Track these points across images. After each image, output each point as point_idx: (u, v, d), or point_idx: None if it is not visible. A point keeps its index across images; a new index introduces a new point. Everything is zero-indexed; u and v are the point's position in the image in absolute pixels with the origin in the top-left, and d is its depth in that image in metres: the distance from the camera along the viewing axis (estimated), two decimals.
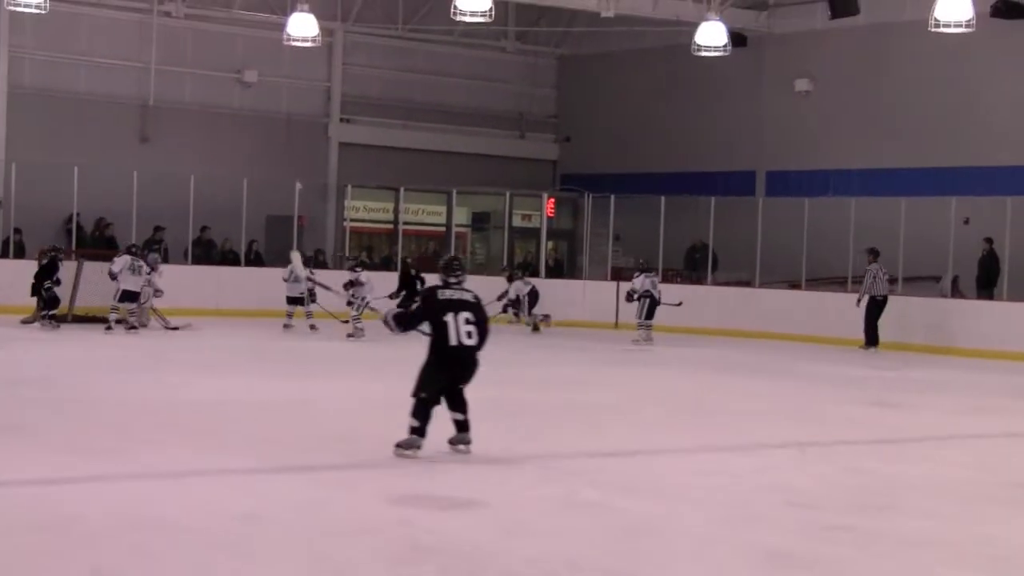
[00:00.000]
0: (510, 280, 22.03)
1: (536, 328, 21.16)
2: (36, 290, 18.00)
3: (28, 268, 18.51)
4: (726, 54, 21.59)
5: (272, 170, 23.91)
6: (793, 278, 21.91)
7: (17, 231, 21.62)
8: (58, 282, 18.03)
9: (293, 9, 21.86)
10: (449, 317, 8.41)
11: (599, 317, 21.96)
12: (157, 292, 18.45)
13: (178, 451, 8.54)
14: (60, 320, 18.29)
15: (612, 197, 23.68)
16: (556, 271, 25.22)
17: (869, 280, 19.36)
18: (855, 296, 19.48)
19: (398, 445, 8.38)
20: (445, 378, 8.47)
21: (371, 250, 25.30)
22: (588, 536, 6.58)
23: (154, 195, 21.81)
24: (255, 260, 22.95)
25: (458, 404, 8.58)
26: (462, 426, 8.61)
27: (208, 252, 23.14)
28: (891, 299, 19.63)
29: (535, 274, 24.42)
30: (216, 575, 5.70)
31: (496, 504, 7.24)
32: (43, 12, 20.05)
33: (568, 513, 7.13)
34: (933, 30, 18.55)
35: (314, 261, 20.88)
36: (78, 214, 22.03)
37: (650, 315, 19.49)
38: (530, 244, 26.11)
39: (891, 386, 15.05)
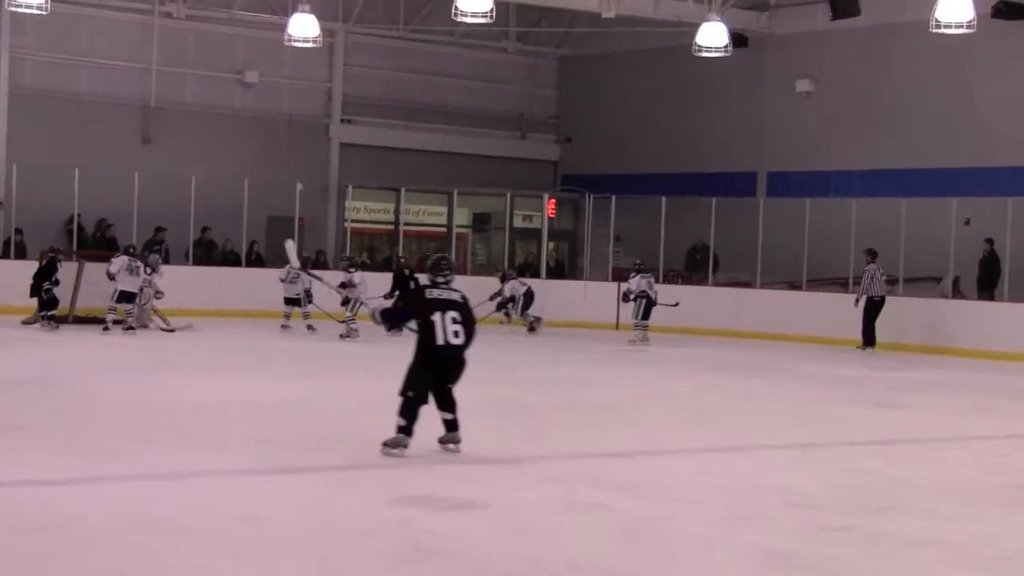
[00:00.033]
0: (503, 280, 22.04)
1: (532, 328, 21.16)
2: (35, 291, 18.02)
3: (29, 269, 18.52)
4: (727, 55, 21.59)
5: (273, 171, 23.92)
6: (794, 279, 21.91)
7: (18, 232, 21.64)
8: (56, 283, 18.05)
9: (294, 10, 21.86)
10: (436, 316, 8.46)
11: (600, 318, 21.95)
12: (158, 294, 18.46)
13: (178, 452, 8.54)
14: (62, 321, 18.31)
15: (613, 198, 23.69)
16: (557, 272, 25.22)
17: (867, 281, 19.42)
18: (855, 297, 19.51)
19: (385, 444, 8.43)
20: (432, 377, 8.51)
21: (373, 251, 25.30)
22: (589, 536, 6.58)
23: (155, 196, 21.82)
24: (256, 261, 22.95)
25: (447, 404, 8.61)
26: (451, 425, 8.65)
27: (209, 253, 23.15)
28: (890, 300, 19.65)
29: (536, 275, 24.44)
30: None
31: (496, 504, 7.24)
32: (44, 13, 20.06)
33: (568, 513, 7.13)
34: (934, 31, 18.53)
35: (311, 262, 20.81)
36: (79, 215, 22.04)
37: (646, 316, 19.52)
38: (531, 245, 26.11)
39: (891, 387, 15.05)
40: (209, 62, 24.55)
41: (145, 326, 18.26)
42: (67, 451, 8.43)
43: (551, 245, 25.65)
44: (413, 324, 8.68)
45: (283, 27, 22.19)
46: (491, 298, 21.47)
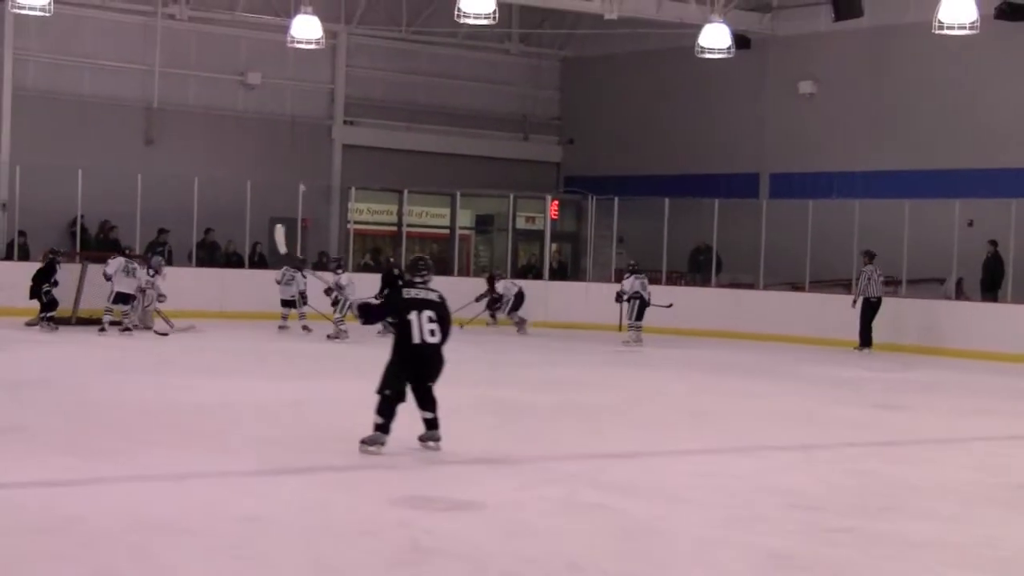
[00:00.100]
0: (490, 281, 22.05)
1: (524, 330, 21.16)
2: (34, 292, 18.06)
3: (33, 271, 18.54)
4: (730, 56, 21.59)
5: (276, 172, 23.92)
6: (796, 280, 21.90)
7: (21, 233, 21.66)
8: (56, 284, 18.09)
9: (297, 11, 21.87)
10: (413, 316, 8.57)
11: (602, 319, 21.92)
12: (160, 297, 18.48)
13: (178, 452, 8.54)
14: (65, 322, 18.34)
15: (616, 199, 23.68)
16: (560, 273, 25.22)
17: (864, 282, 19.47)
18: (852, 298, 19.58)
19: (363, 441, 8.52)
20: (409, 375, 8.59)
21: (378, 252, 25.31)
22: (588, 537, 6.58)
23: (158, 197, 21.82)
24: (259, 262, 22.96)
25: (427, 403, 8.70)
26: (431, 424, 8.73)
27: (212, 254, 23.15)
28: (891, 301, 19.69)
29: (539, 276, 24.46)
30: None
31: (495, 505, 7.24)
32: (47, 15, 20.07)
33: (568, 514, 7.13)
34: (937, 32, 18.53)
35: (313, 263, 20.83)
36: (82, 216, 22.06)
37: (640, 316, 19.53)
38: (534, 246, 26.10)
39: (892, 388, 15.05)
40: (212, 63, 24.57)
41: (148, 327, 18.27)
42: (67, 452, 8.44)
43: (554, 247, 25.63)
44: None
45: (286, 29, 22.19)
46: (477, 299, 21.50)
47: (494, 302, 21.76)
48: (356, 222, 25.40)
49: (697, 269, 23.63)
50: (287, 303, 19.70)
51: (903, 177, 22.59)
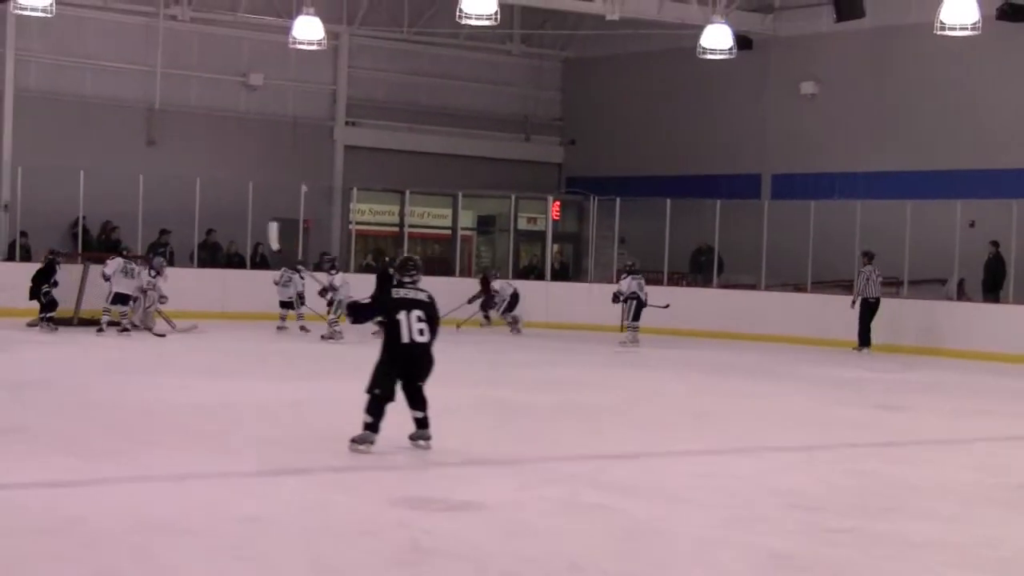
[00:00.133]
0: (483, 282, 22.05)
1: (519, 329, 21.17)
2: (34, 293, 18.08)
3: (33, 271, 18.56)
4: (731, 57, 21.59)
5: (278, 173, 23.93)
6: (798, 281, 21.89)
7: (23, 234, 21.68)
8: (55, 284, 18.11)
9: (298, 12, 21.87)
10: (402, 315, 8.62)
11: (604, 320, 21.91)
12: (162, 298, 18.50)
13: (178, 453, 8.55)
14: (66, 323, 18.35)
15: (617, 200, 23.68)
16: (562, 274, 25.22)
17: (862, 282, 19.51)
18: (851, 299, 19.62)
19: (353, 440, 8.57)
20: (398, 374, 8.64)
21: (380, 252, 25.31)
22: (589, 538, 6.58)
23: (160, 198, 21.84)
24: (261, 263, 22.97)
25: (417, 402, 8.74)
26: (421, 423, 8.77)
27: (214, 255, 23.17)
28: (892, 302, 19.70)
29: (540, 277, 24.47)
30: None
31: (496, 505, 7.24)
32: (49, 16, 20.13)
33: (569, 514, 7.13)
34: (938, 33, 18.52)
35: (309, 265, 20.80)
36: (84, 217, 22.08)
37: (636, 317, 19.55)
38: (535, 247, 26.11)
39: (892, 388, 15.04)
40: (214, 64, 24.58)
41: (149, 328, 18.28)
42: (68, 453, 8.44)
43: (555, 247, 25.64)
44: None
45: (287, 30, 22.20)
46: (470, 300, 21.51)
47: (488, 302, 21.77)
48: (358, 223, 25.40)
49: (699, 270, 23.62)
50: (285, 304, 19.84)
51: (905, 178, 22.58)
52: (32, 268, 18.83)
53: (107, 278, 17.89)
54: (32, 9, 19.93)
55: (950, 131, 22.26)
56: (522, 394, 12.67)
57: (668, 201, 22.92)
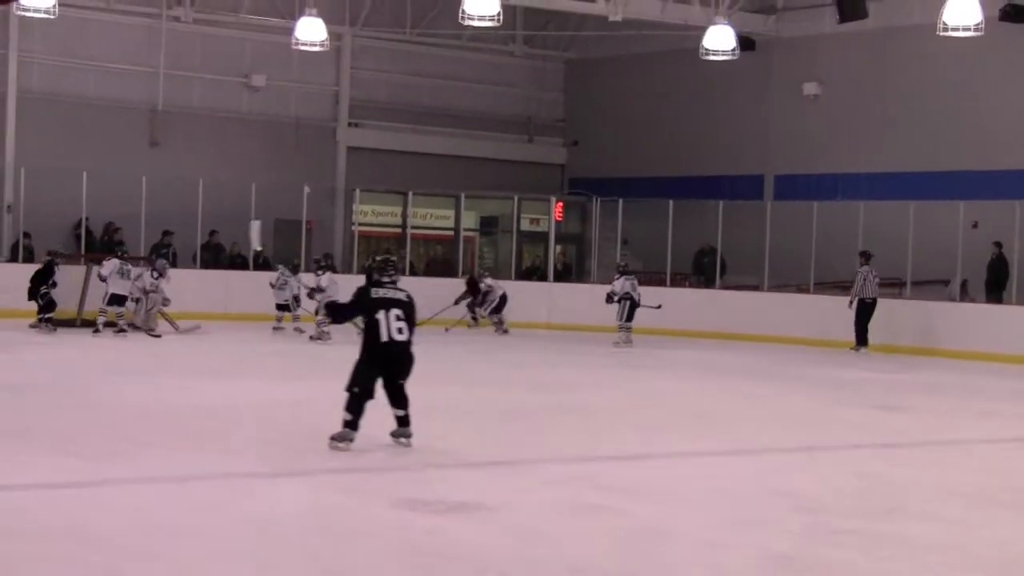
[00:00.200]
0: (471, 282, 22.05)
1: (505, 330, 21.21)
2: (33, 293, 18.09)
3: (34, 272, 18.60)
4: (734, 58, 21.60)
5: (280, 174, 23.93)
6: (801, 282, 21.88)
7: (26, 235, 21.70)
8: (54, 285, 18.12)
9: (301, 13, 21.90)
10: (381, 315, 8.72)
11: (607, 321, 21.88)
12: (165, 300, 18.51)
13: (179, 454, 8.55)
14: (69, 324, 18.36)
15: (620, 201, 23.67)
16: (565, 275, 25.22)
17: (859, 283, 19.53)
18: (848, 299, 19.67)
19: (332, 438, 8.64)
20: (377, 373, 8.73)
21: (388, 253, 25.25)
22: (590, 539, 6.57)
23: (163, 199, 21.84)
24: (263, 264, 22.97)
25: (399, 401, 8.83)
26: (403, 421, 8.85)
27: (216, 256, 23.18)
28: (896, 303, 19.72)
29: (543, 278, 24.47)
30: None
31: (497, 507, 7.23)
32: (52, 17, 20.15)
33: (570, 516, 7.12)
34: (941, 34, 18.52)
35: (299, 266, 20.75)
36: (87, 218, 22.09)
37: (630, 317, 19.60)
38: (538, 248, 26.12)
39: (894, 389, 15.02)
40: (216, 66, 24.60)
41: (151, 330, 18.30)
42: (68, 454, 8.44)
43: (558, 248, 25.64)
44: (360, 322, 8.98)
45: (290, 31, 22.23)
46: (456, 301, 21.54)
47: (476, 303, 21.78)
48: (360, 224, 25.40)
49: (701, 271, 23.61)
50: (281, 307, 19.89)
51: (907, 179, 22.57)
52: (34, 269, 18.84)
53: (103, 279, 17.92)
54: (35, 10, 19.95)
55: (953, 132, 22.25)
56: (523, 395, 12.67)
57: (671, 202, 22.91)
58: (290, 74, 25.12)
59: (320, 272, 18.97)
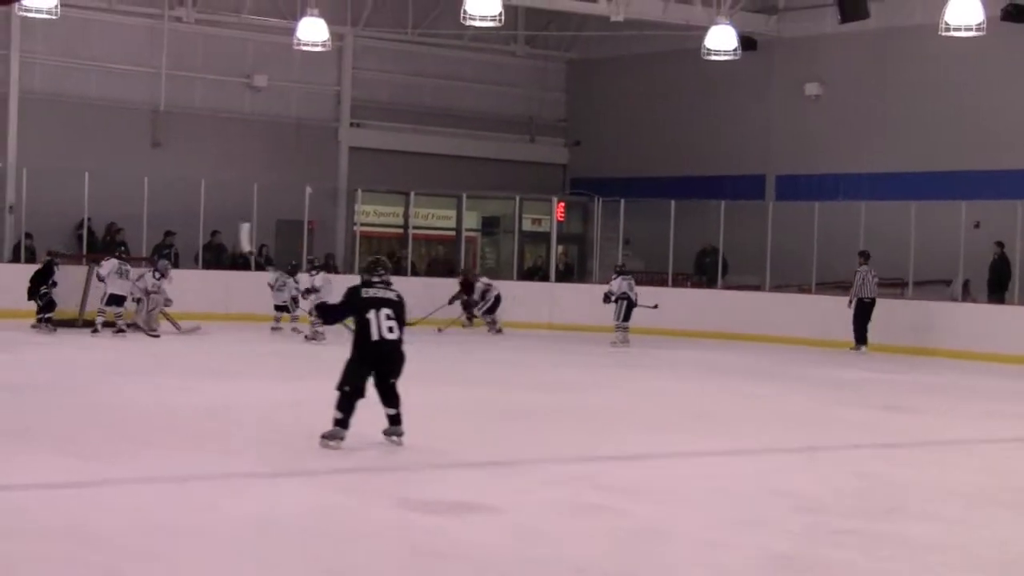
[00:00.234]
0: (464, 283, 22.06)
1: (499, 329, 21.23)
2: (32, 293, 18.10)
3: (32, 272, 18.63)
4: (736, 58, 21.59)
5: (282, 174, 23.93)
6: (803, 282, 21.87)
7: (28, 236, 21.70)
8: (54, 285, 18.13)
9: (303, 14, 21.90)
10: (371, 314, 8.81)
11: (609, 321, 21.89)
12: (167, 301, 18.52)
13: (179, 454, 8.56)
14: (71, 324, 18.36)
15: (622, 201, 23.66)
16: (566, 275, 25.22)
17: (858, 282, 19.54)
18: (847, 299, 19.70)
19: (323, 436, 8.71)
20: (368, 372, 8.80)
21: (391, 255, 25.35)
22: (592, 539, 6.57)
23: (165, 200, 21.85)
24: (266, 264, 22.96)
25: (390, 399, 8.90)
26: (394, 419, 8.92)
27: (218, 256, 23.17)
28: (898, 303, 19.73)
29: (545, 278, 24.47)
30: None
31: (498, 507, 7.23)
32: (54, 18, 20.16)
33: (573, 516, 7.12)
34: (943, 34, 18.50)
35: (298, 266, 20.74)
36: (89, 219, 22.10)
37: (627, 317, 19.62)
38: (540, 248, 26.11)
39: (897, 390, 15.01)
40: (218, 66, 24.60)
41: (153, 330, 18.31)
42: (68, 454, 8.44)
43: (560, 248, 25.63)
44: (351, 323, 9.03)
45: (292, 31, 22.22)
46: (450, 301, 21.57)
47: (470, 303, 21.80)
48: (362, 224, 25.40)
49: (703, 271, 23.60)
50: (280, 308, 19.93)
51: (909, 179, 22.55)
52: (35, 270, 18.86)
53: (101, 279, 17.93)
54: (37, 11, 19.96)
55: (955, 132, 22.23)
56: (523, 395, 12.68)
57: (672, 202, 22.91)
58: (292, 74, 25.12)
59: (314, 272, 19.00)
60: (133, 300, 18.52)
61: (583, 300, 22.87)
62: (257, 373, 14.20)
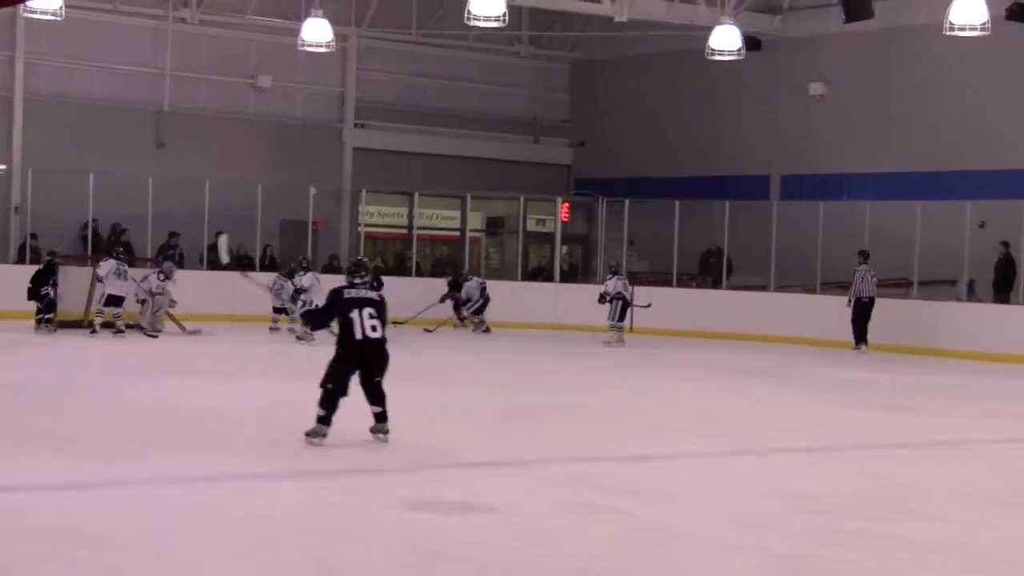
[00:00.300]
0: (453, 283, 22.06)
1: (487, 329, 21.23)
2: (33, 294, 18.11)
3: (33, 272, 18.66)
4: (740, 58, 21.56)
5: (286, 175, 23.95)
6: (808, 282, 21.83)
7: (33, 237, 21.71)
8: (55, 285, 18.15)
9: (307, 15, 21.90)
10: (354, 314, 8.97)
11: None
12: (172, 302, 18.52)
13: (181, 455, 8.55)
14: (76, 326, 18.36)
15: (626, 201, 23.64)
16: (571, 276, 25.21)
17: (857, 282, 19.53)
18: (847, 298, 19.71)
19: (307, 433, 8.84)
20: (352, 370, 8.94)
21: (399, 257, 25.40)
22: (594, 540, 6.56)
23: (169, 201, 21.87)
24: (270, 265, 22.96)
25: (376, 397, 9.04)
26: (380, 417, 9.06)
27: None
28: (903, 303, 19.70)
29: (549, 279, 24.46)
30: None
31: (500, 507, 7.22)
32: (59, 19, 20.17)
33: (575, 517, 7.11)
34: (947, 33, 18.47)
35: (295, 269, 20.73)
36: (95, 220, 22.11)
37: (622, 317, 19.71)
38: (544, 249, 26.10)
39: (899, 390, 14.97)
40: (222, 67, 24.61)
41: (157, 331, 18.32)
42: (69, 455, 8.44)
43: (564, 249, 25.62)
44: (335, 327, 9.24)
45: (296, 32, 22.22)
46: (441, 299, 21.58)
47: (461, 302, 21.82)
48: (367, 225, 25.42)
49: (708, 271, 23.58)
50: (278, 310, 19.97)
51: (914, 179, 22.51)
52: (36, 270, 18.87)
53: (100, 279, 17.92)
54: (41, 12, 19.98)
55: (959, 132, 22.19)
56: (524, 395, 12.66)
57: (677, 203, 22.89)
58: (296, 75, 25.13)
59: (302, 272, 19.05)
60: (138, 301, 18.53)
61: (587, 300, 22.79)
62: (257, 373, 14.19)
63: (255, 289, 19.32)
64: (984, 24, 18.14)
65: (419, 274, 24.25)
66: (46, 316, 18.07)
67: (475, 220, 26.67)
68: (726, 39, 21.13)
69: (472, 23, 19.71)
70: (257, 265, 23.00)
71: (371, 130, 26.27)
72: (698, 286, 23.31)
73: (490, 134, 27.25)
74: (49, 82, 23.22)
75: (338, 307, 9.07)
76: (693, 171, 25.33)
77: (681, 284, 22.94)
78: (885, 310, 19.75)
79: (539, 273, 25.16)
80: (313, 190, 23.24)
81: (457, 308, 21.95)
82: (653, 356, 18.39)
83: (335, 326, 9.22)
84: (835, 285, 21.16)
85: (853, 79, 23.91)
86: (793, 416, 12.09)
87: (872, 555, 6.44)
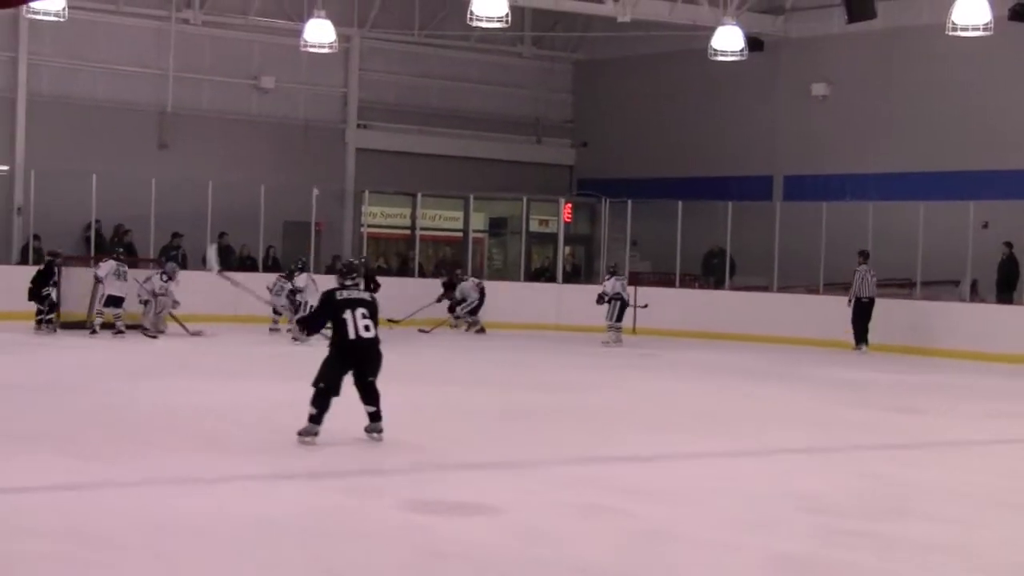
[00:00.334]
0: (448, 284, 22.05)
1: (481, 330, 21.24)
2: (33, 294, 18.11)
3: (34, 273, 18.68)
4: (743, 58, 21.53)
5: (289, 176, 23.95)
6: (810, 283, 21.82)
7: (36, 238, 21.73)
8: (55, 285, 18.15)
9: (310, 15, 21.90)
10: (347, 314, 9.07)
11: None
12: (175, 303, 18.53)
13: (182, 455, 8.55)
14: (80, 327, 18.37)
15: (629, 202, 23.63)
16: (573, 276, 25.21)
17: (857, 282, 19.52)
18: (847, 298, 19.71)
19: (299, 433, 8.90)
20: (344, 370, 9.04)
21: (402, 258, 25.40)
22: (597, 541, 6.55)
23: (172, 201, 21.88)
24: (273, 266, 22.98)
25: (370, 397, 9.11)
26: (374, 417, 9.13)
27: (226, 258, 23.09)
28: (906, 303, 19.68)
29: (552, 279, 24.46)
30: None
31: (502, 508, 7.21)
32: (61, 20, 20.18)
33: (578, 517, 7.10)
34: (950, 34, 18.45)
35: (295, 271, 20.70)
36: (98, 221, 22.13)
37: (620, 317, 19.74)
38: (547, 249, 26.08)
39: (905, 390, 14.96)
40: (225, 68, 24.62)
41: (160, 332, 18.32)
42: (70, 455, 8.44)
43: (567, 249, 25.61)
44: (328, 330, 9.34)
45: (299, 33, 22.21)
46: (438, 299, 21.59)
47: (457, 304, 21.81)
48: (370, 225, 25.43)
49: (711, 272, 23.57)
50: (278, 311, 19.93)
51: (917, 179, 22.49)
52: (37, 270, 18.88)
53: (99, 280, 17.93)
54: (44, 13, 19.99)
55: (962, 132, 22.16)
56: (525, 395, 12.65)
57: (679, 203, 22.88)
58: (299, 76, 25.14)
59: (298, 273, 19.08)
60: (140, 302, 18.54)
61: (590, 301, 22.81)
62: (257, 373, 14.19)
63: (237, 288, 19.24)
64: (987, 24, 18.11)
65: (422, 275, 24.26)
66: (47, 316, 18.07)
67: (478, 221, 26.66)
68: (728, 39, 21.11)
69: (475, 24, 19.70)
70: (260, 266, 23.03)
71: (374, 131, 26.27)
72: (701, 287, 23.29)
73: (493, 135, 27.24)
74: (52, 83, 23.24)
75: (331, 308, 9.14)
76: (696, 172, 25.32)
77: (684, 285, 22.92)
78: (887, 310, 19.75)
79: (542, 274, 25.15)
80: (316, 191, 23.24)
81: (452, 308, 21.95)
82: (653, 356, 18.38)
83: (327, 331, 9.30)
84: (838, 286, 21.13)
85: (856, 79, 23.89)
86: (794, 416, 12.08)
87: (873, 555, 6.44)
